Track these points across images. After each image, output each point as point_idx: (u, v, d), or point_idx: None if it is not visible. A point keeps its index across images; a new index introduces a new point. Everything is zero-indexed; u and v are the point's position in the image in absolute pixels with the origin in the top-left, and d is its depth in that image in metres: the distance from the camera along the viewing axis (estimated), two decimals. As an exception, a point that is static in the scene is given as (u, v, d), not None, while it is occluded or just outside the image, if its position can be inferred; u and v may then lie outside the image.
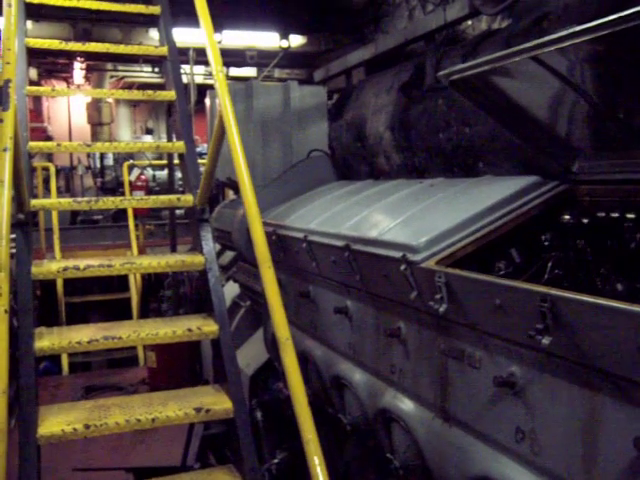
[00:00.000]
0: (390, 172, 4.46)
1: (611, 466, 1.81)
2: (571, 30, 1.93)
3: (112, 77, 14.19)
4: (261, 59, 10.50)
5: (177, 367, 6.79)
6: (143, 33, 8.74)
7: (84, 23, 8.39)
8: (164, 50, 4.16)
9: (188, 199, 3.66)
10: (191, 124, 4.12)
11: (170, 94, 4.06)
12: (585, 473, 1.90)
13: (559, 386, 1.98)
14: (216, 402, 3.08)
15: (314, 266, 3.63)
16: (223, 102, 3.12)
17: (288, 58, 10.31)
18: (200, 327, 3.23)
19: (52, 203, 3.70)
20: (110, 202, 3.62)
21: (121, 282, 9.68)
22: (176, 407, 2.98)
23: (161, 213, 12.16)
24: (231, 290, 6.41)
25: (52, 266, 3.22)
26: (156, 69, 11.48)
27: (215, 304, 3.32)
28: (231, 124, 3.04)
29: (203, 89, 6.84)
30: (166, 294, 9.20)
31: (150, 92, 4.08)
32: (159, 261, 3.41)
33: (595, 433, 1.86)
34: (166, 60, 4.20)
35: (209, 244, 3.53)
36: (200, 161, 5.50)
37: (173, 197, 3.75)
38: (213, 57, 3.23)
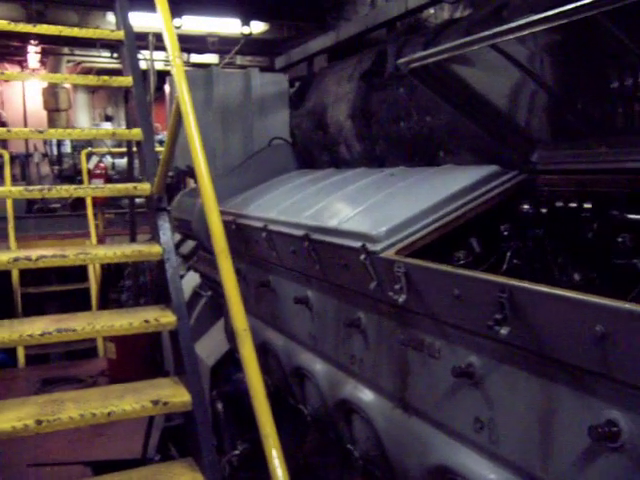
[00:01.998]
0: (351, 161, 4.43)
1: (567, 454, 1.82)
2: (529, 19, 1.92)
3: (69, 62, 13.83)
4: (223, 46, 10.36)
5: (137, 358, 6.69)
6: (100, 17, 8.52)
7: (38, 4, 8.13)
8: (120, 34, 4.04)
9: (145, 187, 3.57)
10: (148, 111, 4.02)
11: (127, 80, 3.95)
12: (542, 461, 1.91)
13: (517, 376, 1.98)
14: (174, 395, 3.02)
15: (274, 256, 3.59)
16: (180, 89, 3.05)
17: (250, 45, 10.18)
18: (157, 318, 3.16)
19: (3, 191, 3.58)
20: (64, 191, 3.51)
21: (80, 272, 9.49)
22: (133, 400, 2.92)
23: (121, 202, 11.92)
24: (192, 280, 6.34)
25: (2, 256, 3.11)
26: (115, 54, 11.23)
27: (173, 295, 3.25)
28: (188, 111, 2.97)
29: (163, 75, 6.71)
30: (126, 284, 9.06)
31: (106, 77, 3.97)
32: (115, 251, 3.32)
33: (552, 422, 1.87)
34: (123, 45, 4.09)
35: (167, 234, 3.45)
36: (159, 149, 5.40)
37: (130, 185, 3.66)
38: (170, 42, 3.15)
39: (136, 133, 3.77)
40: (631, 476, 1.62)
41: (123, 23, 4.08)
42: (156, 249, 3.39)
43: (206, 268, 5.11)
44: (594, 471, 1.72)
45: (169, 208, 4.58)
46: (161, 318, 3.17)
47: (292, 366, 3.57)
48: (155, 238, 3.52)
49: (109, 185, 3.78)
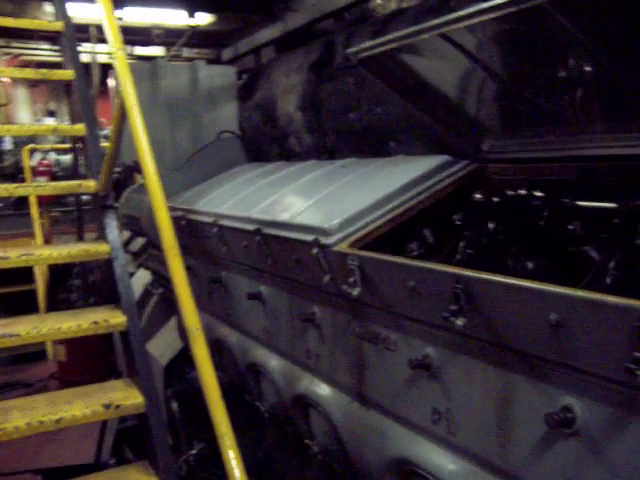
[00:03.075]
0: (301, 153, 4.39)
1: (524, 442, 1.82)
2: (478, 7, 1.91)
3: (7, 54, 13.33)
4: (169, 38, 10.15)
5: (88, 360, 6.51)
6: (37, 7, 8.19)
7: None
8: (59, 25, 3.88)
9: (90, 185, 3.45)
10: (92, 105, 3.88)
11: (68, 73, 3.80)
12: (500, 450, 1.91)
13: (474, 366, 1.97)
14: (127, 397, 2.93)
15: (225, 251, 3.53)
16: (123, 82, 2.94)
17: (197, 37, 10.00)
18: (107, 319, 3.06)
19: None
20: (3, 189, 3.36)
21: (26, 273, 9.18)
22: (83, 405, 2.82)
23: (67, 200, 11.59)
24: (143, 277, 6.21)
25: (-62, 260, 2.96)
26: (55, 47, 10.86)
27: (122, 294, 3.16)
28: (132, 105, 2.87)
29: (107, 68, 6.53)
30: (75, 283, 8.81)
31: (45, 71, 3.82)
32: (60, 251, 3.21)
33: (509, 411, 1.87)
34: (62, 36, 3.93)
35: (114, 232, 3.34)
36: (105, 144, 5.25)
37: (74, 183, 3.53)
38: (111, 33, 3.03)
39: (79, 128, 3.64)
40: (586, 461, 1.64)
41: (62, 13, 3.93)
42: (103, 248, 3.28)
43: (157, 265, 5.01)
44: (551, 457, 1.73)
45: (116, 205, 4.46)
46: (111, 319, 3.07)
47: (247, 362, 3.52)
48: (102, 236, 3.41)
49: (52, 183, 3.64)
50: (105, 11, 3.10)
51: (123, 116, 3.02)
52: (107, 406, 2.82)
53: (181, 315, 2.48)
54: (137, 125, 2.82)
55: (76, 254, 3.25)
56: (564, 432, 1.67)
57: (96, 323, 3.03)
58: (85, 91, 3.75)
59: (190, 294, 2.47)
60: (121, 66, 2.97)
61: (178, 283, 2.49)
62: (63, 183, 3.58)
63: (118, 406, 2.85)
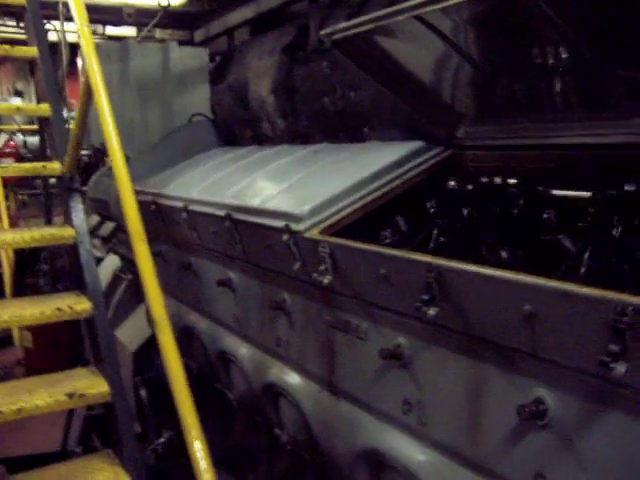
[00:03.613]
0: (274, 137, 4.31)
1: (496, 434, 1.80)
2: (455, -12, 1.85)
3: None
4: (140, 18, 9.91)
5: (55, 346, 6.38)
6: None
7: None
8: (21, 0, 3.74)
9: (55, 167, 3.35)
10: (57, 84, 3.75)
11: (32, 50, 3.66)
12: (471, 442, 1.89)
13: (446, 357, 1.94)
14: (92, 386, 2.86)
15: (195, 237, 3.46)
16: (89, 61, 2.84)
17: (170, 18, 9.75)
18: (72, 306, 2.98)
19: None
20: (-37, 171, 3.26)
21: (-9, 257, 8.98)
22: (46, 394, 2.74)
23: (36, 182, 11.34)
24: (113, 263, 6.09)
25: None
26: (22, 24, 10.55)
27: (88, 280, 3.07)
28: (98, 85, 2.78)
29: (77, 48, 6.35)
30: (43, 268, 8.64)
31: (7, 47, 3.66)
32: (23, 235, 3.11)
33: (480, 402, 1.84)
34: (26, 11, 3.79)
35: (80, 216, 3.25)
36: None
37: (38, 165, 3.42)
38: (76, 9, 2.93)
39: (45, 109, 3.52)
40: (558, 453, 1.61)
41: (26, -14, 3.78)
42: (68, 232, 3.19)
43: (126, 250, 4.91)
44: (522, 449, 1.71)
45: (84, 188, 4.35)
46: (75, 305, 2.99)
47: (216, 350, 3.46)
48: (68, 220, 3.31)
49: (14, 164, 3.55)
50: (70, -14, 2.99)
51: (89, 96, 2.92)
52: (71, 395, 2.75)
53: (147, 304, 2.41)
54: (103, 105, 2.73)
55: (39, 238, 3.15)
56: (536, 424, 1.64)
57: (60, 310, 2.95)
58: (50, 69, 3.61)
59: (156, 282, 2.40)
60: (87, 44, 2.88)
61: (144, 270, 2.43)
62: (27, 165, 3.48)
63: (82, 395, 2.78)
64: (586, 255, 1.72)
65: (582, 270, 1.70)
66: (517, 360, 1.69)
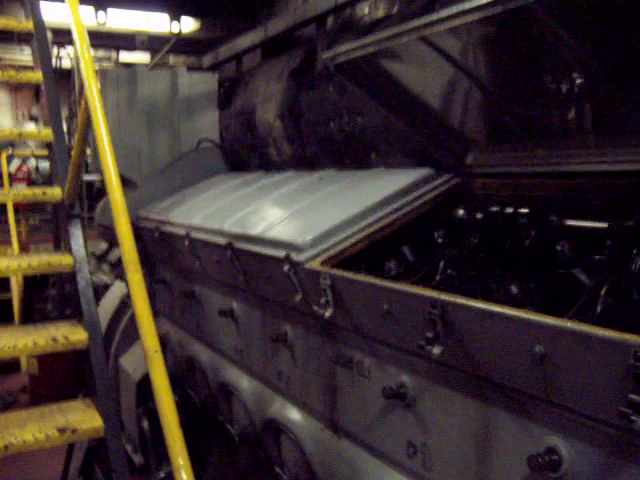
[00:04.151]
0: (281, 163, 4.23)
1: (506, 483, 1.66)
2: (460, 8, 1.76)
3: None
4: (153, 44, 9.98)
5: (61, 373, 6.29)
6: (16, 9, 7.95)
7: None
8: (29, 25, 3.71)
9: (56, 193, 3.27)
10: (59, 109, 3.70)
11: (37, 76, 3.63)
12: (479, 490, 1.75)
13: (452, 398, 1.82)
14: (85, 420, 2.75)
15: (198, 265, 3.36)
16: (88, 84, 2.76)
17: (182, 44, 9.83)
18: (67, 336, 2.87)
19: None
20: (-38, 196, 3.19)
21: (2, 281, 8.94)
22: (36, 429, 2.63)
23: (46, 206, 11.34)
24: (120, 289, 6.01)
25: None
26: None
27: (85, 310, 2.97)
28: (96, 109, 2.70)
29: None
30: (51, 293, 8.59)
31: (12, 73, 3.64)
32: (20, 263, 3.02)
33: (489, 449, 1.71)
34: (33, 37, 3.76)
35: (79, 242, 3.16)
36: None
37: (38, 191, 3.34)
38: (77, 32, 2.86)
39: (46, 134, 3.47)
40: (573, 507, 1.47)
41: (32, 13, 3.76)
42: (67, 260, 3.10)
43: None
44: (534, 502, 1.57)
45: (86, 215, 4.27)
46: (71, 336, 2.88)
47: (218, 382, 3.35)
48: (67, 248, 3.23)
49: (15, 190, 3.46)
50: (71, 9, 2.93)
51: (89, 121, 2.85)
52: (62, 430, 2.64)
53: (140, 335, 2.30)
54: (100, 130, 2.65)
55: (37, 266, 3.07)
56: (549, 476, 1.50)
57: (55, 340, 2.85)
58: (53, 95, 3.57)
59: (150, 312, 2.29)
60: (86, 67, 2.80)
61: (137, 300, 2.32)
62: (28, 190, 3.40)
63: (75, 430, 2.67)
64: (603, 291, 1.59)
65: (598, 308, 1.57)
66: (528, 405, 1.56)
